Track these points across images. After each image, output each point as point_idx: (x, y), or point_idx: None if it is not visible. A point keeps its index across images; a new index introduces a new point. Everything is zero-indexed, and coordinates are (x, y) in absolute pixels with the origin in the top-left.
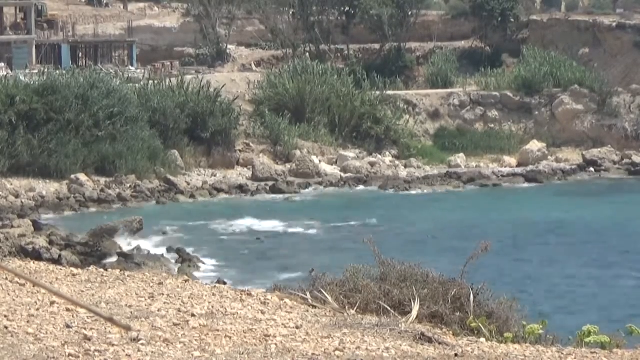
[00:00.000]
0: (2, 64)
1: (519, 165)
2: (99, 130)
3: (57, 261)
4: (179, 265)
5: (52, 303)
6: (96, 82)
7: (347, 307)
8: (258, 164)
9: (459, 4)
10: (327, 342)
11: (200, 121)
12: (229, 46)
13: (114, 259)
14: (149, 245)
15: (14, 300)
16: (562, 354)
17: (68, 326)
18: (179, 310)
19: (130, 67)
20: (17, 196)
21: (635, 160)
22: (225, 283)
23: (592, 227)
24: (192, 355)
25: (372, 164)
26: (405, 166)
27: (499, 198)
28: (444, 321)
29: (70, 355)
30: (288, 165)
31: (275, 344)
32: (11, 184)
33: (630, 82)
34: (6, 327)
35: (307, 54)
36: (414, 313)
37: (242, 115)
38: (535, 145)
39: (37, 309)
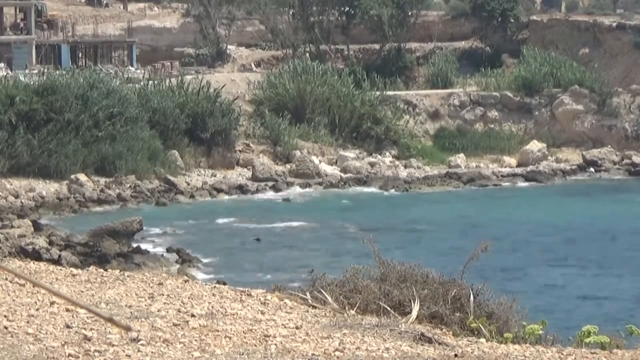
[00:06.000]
0: (2, 64)
1: (518, 165)
2: (98, 131)
3: (57, 261)
4: (179, 265)
5: (52, 303)
6: (96, 83)
7: (347, 308)
8: (258, 164)
9: (459, 4)
10: (327, 343)
11: (200, 121)
12: (228, 46)
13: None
14: (149, 245)
15: (14, 300)
16: (562, 354)
17: (68, 326)
18: (179, 311)
19: (130, 67)
20: (17, 196)
21: (635, 161)
22: (225, 283)
23: (592, 227)
24: (192, 355)
25: (372, 164)
26: (405, 166)
27: (499, 198)
28: (443, 321)
29: (70, 355)
30: (288, 166)
31: (275, 344)
32: (11, 184)
33: (630, 82)
34: (6, 327)
35: (307, 54)
36: (414, 313)
37: (242, 116)
38: (535, 146)
39: (37, 309)
